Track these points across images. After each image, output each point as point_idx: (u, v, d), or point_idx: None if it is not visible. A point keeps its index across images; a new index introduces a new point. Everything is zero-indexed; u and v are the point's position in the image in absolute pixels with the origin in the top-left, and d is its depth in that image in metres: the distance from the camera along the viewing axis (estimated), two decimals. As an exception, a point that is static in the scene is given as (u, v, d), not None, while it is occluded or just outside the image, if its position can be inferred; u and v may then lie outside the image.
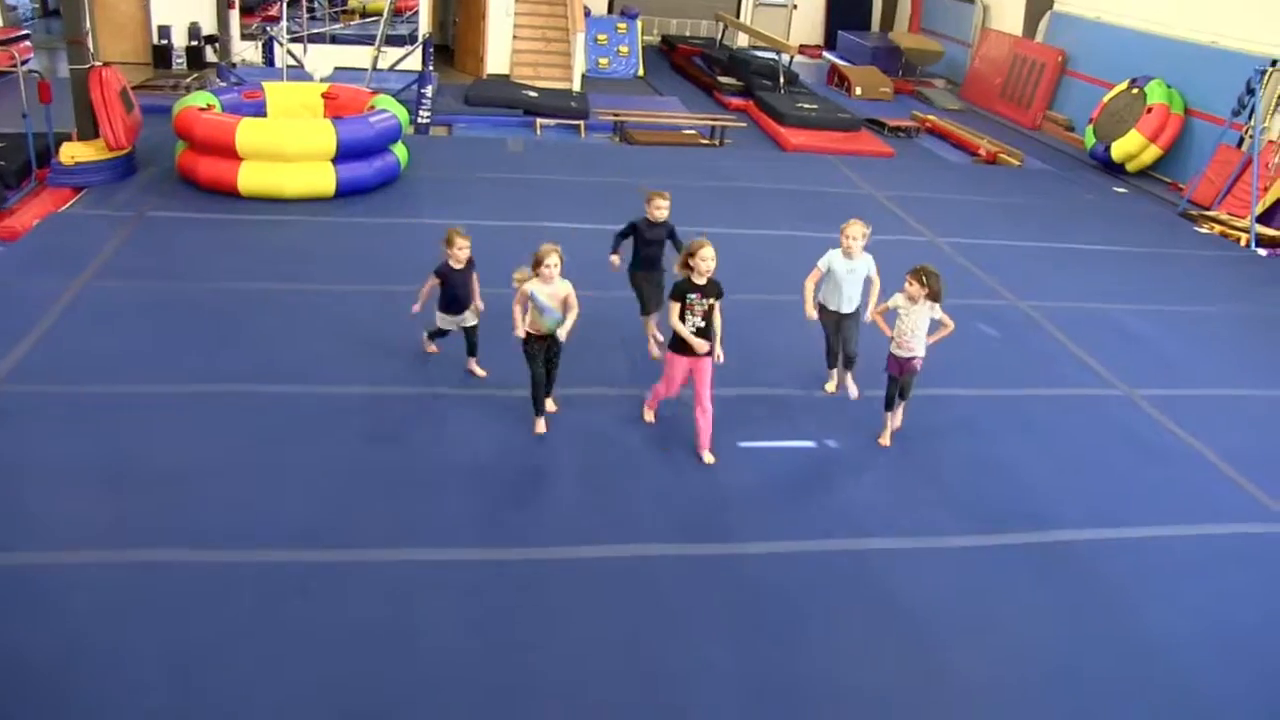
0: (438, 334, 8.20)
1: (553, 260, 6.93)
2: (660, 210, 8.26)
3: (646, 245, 8.36)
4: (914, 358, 7.52)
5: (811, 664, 5.45)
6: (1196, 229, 14.78)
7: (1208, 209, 15.43)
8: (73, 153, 11.71)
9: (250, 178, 11.69)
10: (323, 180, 11.94)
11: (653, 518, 6.54)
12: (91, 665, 4.98)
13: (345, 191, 12.13)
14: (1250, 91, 14.99)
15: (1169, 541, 6.85)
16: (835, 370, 8.36)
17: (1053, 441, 8.00)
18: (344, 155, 12.01)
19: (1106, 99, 18.38)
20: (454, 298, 7.85)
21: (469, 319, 7.97)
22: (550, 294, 7.02)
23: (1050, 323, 10.36)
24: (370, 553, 5.96)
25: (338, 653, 5.20)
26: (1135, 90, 17.70)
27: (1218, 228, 14.70)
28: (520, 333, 7.10)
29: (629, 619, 5.66)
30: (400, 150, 13.07)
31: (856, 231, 7.83)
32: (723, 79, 21.72)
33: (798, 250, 11.82)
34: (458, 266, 7.76)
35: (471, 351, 8.12)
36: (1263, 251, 13.87)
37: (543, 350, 7.23)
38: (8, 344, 7.94)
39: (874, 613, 5.89)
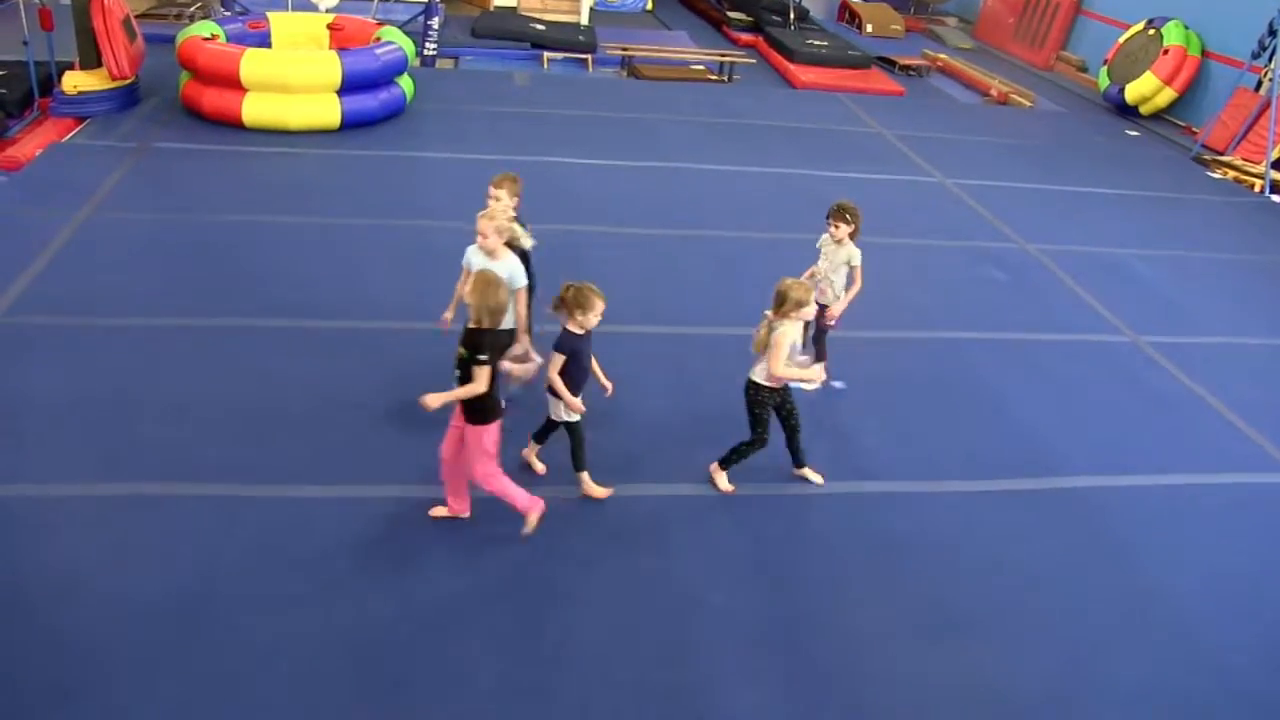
0: (546, 435, 6.19)
1: (798, 297, 5.81)
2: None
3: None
4: (826, 307, 6.98)
5: (810, 605, 5.47)
6: (1210, 174, 14.64)
7: (1222, 153, 15.27)
8: (75, 82, 11.58)
9: (255, 109, 11.57)
10: (328, 112, 11.82)
11: (651, 459, 6.52)
12: (91, 599, 5.00)
13: (350, 124, 12.01)
14: (1272, 33, 14.77)
15: (1174, 489, 6.84)
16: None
17: (1058, 387, 7.97)
18: (349, 87, 11.87)
19: (1122, 40, 18.12)
20: (581, 374, 5.88)
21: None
22: (800, 335, 5.97)
23: (1058, 267, 10.29)
24: (376, 488, 5.96)
25: (342, 589, 5.22)
26: (1152, 31, 17.45)
27: (1231, 173, 14.55)
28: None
29: (630, 558, 5.68)
30: (406, 83, 12.93)
31: (484, 225, 5.99)
32: (732, 14, 21.43)
33: (804, 189, 11.76)
34: (580, 331, 5.74)
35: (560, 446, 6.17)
36: (1277, 198, 13.72)
37: (773, 401, 6.12)
38: (10, 275, 7.90)
39: (873, 557, 5.89)
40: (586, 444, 6.01)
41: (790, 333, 5.86)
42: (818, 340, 7.21)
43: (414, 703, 4.63)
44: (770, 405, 6.09)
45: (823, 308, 6.96)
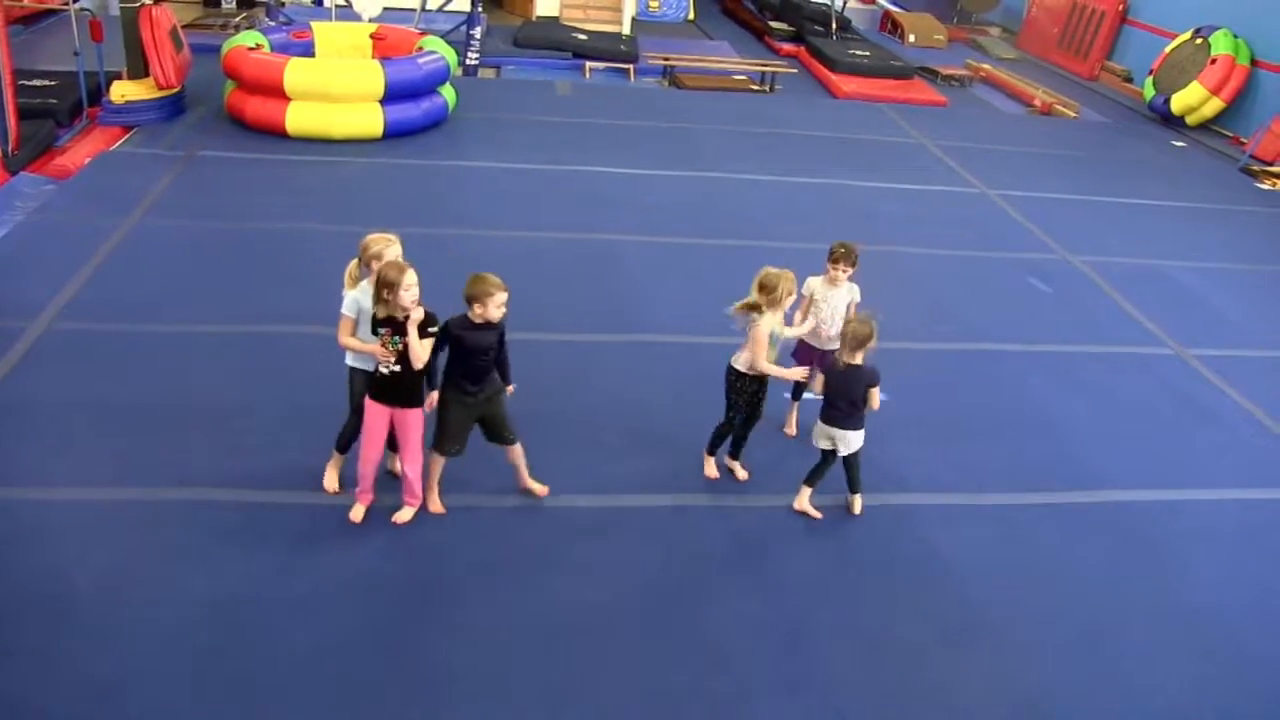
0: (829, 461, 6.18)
1: (787, 285, 5.85)
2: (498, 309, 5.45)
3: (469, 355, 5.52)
4: (834, 351, 6.21)
5: (848, 614, 5.44)
6: (1258, 185, 14.45)
7: (1270, 164, 15.06)
8: (123, 91, 11.74)
9: (298, 118, 11.68)
10: (371, 121, 11.91)
11: (690, 467, 6.51)
12: (135, 602, 5.04)
13: (393, 133, 12.09)
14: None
15: (1219, 504, 6.74)
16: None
17: (1101, 400, 7.88)
18: (392, 96, 11.96)
19: (1168, 49, 17.93)
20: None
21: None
22: (782, 324, 5.98)
23: (1102, 279, 10.18)
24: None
25: (381, 595, 5.25)
26: (1199, 40, 17.25)
27: (1280, 184, 14.38)
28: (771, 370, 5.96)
29: (663, 567, 5.66)
30: (448, 92, 13.00)
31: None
32: (774, 24, 21.43)
33: (846, 200, 11.73)
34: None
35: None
36: (1326, 209, 13.53)
37: (752, 392, 6.11)
38: (58, 282, 8.01)
39: (912, 567, 5.85)
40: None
41: (771, 323, 5.85)
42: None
43: (446, 709, 4.64)
44: (746, 393, 6.09)
45: (827, 353, 6.41)
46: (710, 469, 6.44)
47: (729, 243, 10.03)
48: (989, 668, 5.18)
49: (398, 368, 5.31)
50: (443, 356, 5.51)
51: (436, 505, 5.89)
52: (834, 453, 6.03)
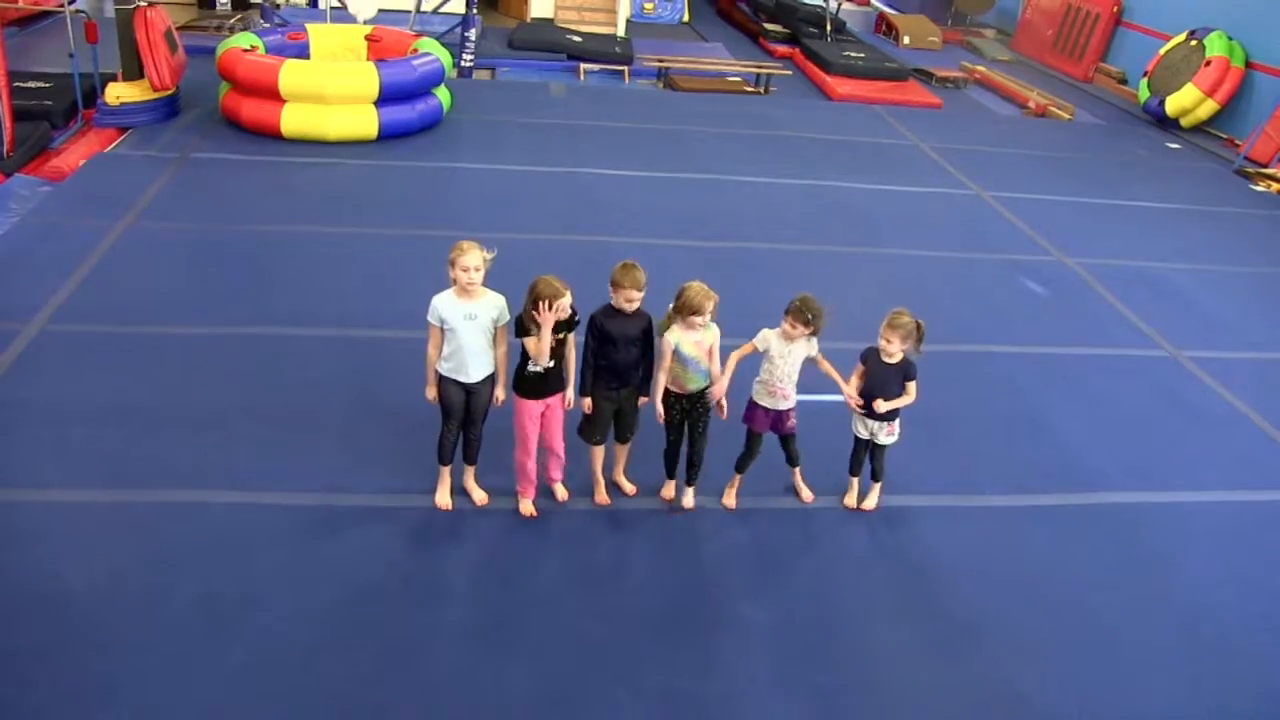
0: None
1: (710, 306, 5.62)
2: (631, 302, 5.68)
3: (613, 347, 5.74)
4: (788, 410, 6.02)
5: (841, 619, 5.44)
6: (1253, 187, 14.46)
7: (1265, 166, 15.09)
8: (118, 93, 11.72)
9: (293, 120, 11.67)
10: (365, 123, 11.90)
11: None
12: (130, 604, 5.04)
13: (388, 134, 12.08)
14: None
15: (1214, 506, 6.75)
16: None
17: (1096, 402, 7.89)
18: (387, 98, 11.95)
19: (1163, 51, 17.96)
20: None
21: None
22: (696, 343, 5.72)
23: (1097, 281, 10.19)
24: (402, 498, 5.97)
25: (376, 596, 5.25)
26: (1194, 42, 17.27)
27: (1275, 186, 14.36)
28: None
29: (660, 568, 5.67)
30: (443, 93, 13.00)
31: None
32: (769, 26, 21.44)
33: (841, 201, 11.74)
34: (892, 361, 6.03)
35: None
36: (1320, 211, 13.55)
37: (679, 411, 5.93)
38: (53, 284, 8.00)
39: (906, 570, 5.86)
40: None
41: (676, 336, 5.67)
42: (786, 444, 6.25)
43: (437, 709, 4.64)
44: (675, 410, 5.89)
45: (782, 413, 6.02)
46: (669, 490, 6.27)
47: (723, 244, 10.04)
48: (984, 668, 5.19)
49: (551, 364, 5.59)
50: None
51: (603, 497, 6.17)
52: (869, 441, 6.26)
